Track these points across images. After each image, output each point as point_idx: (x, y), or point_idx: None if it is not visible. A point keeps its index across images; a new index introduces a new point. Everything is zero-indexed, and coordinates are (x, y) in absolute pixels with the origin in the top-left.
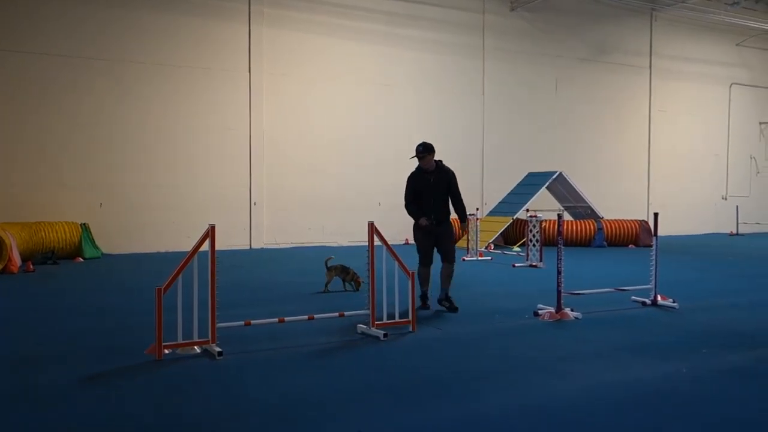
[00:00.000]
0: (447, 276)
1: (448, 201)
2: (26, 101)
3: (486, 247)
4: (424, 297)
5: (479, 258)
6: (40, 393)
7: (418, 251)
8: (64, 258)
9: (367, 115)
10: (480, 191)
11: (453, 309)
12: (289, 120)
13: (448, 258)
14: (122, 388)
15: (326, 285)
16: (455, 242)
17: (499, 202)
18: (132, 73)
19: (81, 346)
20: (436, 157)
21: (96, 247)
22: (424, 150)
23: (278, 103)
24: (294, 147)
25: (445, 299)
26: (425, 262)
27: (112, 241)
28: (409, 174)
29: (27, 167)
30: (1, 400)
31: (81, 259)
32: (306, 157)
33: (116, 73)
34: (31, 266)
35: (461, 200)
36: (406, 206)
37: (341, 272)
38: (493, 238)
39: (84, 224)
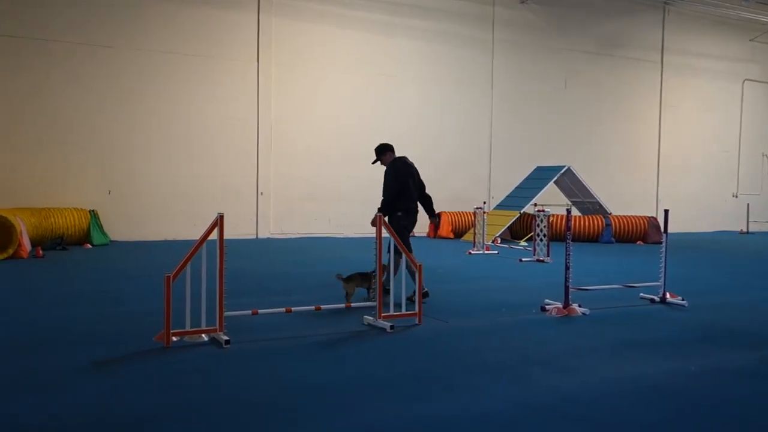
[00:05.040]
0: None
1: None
2: (37, 89)
3: (492, 241)
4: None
5: (485, 252)
6: (47, 378)
7: (405, 242)
8: (73, 244)
9: (374, 107)
10: (487, 185)
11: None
12: (297, 110)
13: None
14: (130, 374)
15: (348, 298)
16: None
17: (507, 196)
18: (140, 62)
19: (90, 332)
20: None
21: (104, 234)
22: (378, 152)
23: (286, 93)
24: (301, 137)
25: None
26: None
27: (121, 228)
28: (396, 159)
29: (38, 154)
30: (8, 385)
31: (89, 246)
32: (313, 148)
33: (125, 62)
34: (41, 252)
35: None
36: (391, 191)
37: (362, 281)
38: (500, 232)
39: (93, 211)
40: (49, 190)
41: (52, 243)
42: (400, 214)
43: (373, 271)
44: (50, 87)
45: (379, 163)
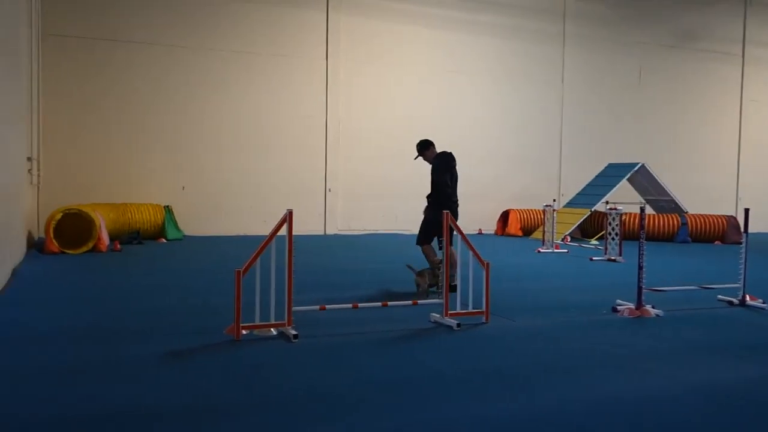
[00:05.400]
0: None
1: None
2: (113, 89)
3: (562, 240)
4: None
5: (555, 250)
6: (125, 365)
7: (429, 234)
8: (148, 238)
9: (442, 104)
10: (557, 182)
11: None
12: (365, 107)
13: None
14: (203, 365)
15: (426, 290)
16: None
17: (577, 194)
18: (212, 61)
19: (164, 323)
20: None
21: (178, 229)
22: (421, 147)
23: (354, 90)
24: (369, 134)
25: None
26: None
27: (193, 223)
28: (439, 156)
29: (115, 152)
30: (88, 371)
31: (164, 240)
32: (381, 145)
33: (196, 61)
34: (118, 246)
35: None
36: (448, 188)
37: (432, 277)
38: (570, 230)
39: (167, 206)
40: (127, 186)
41: (128, 237)
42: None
43: (438, 267)
44: (126, 87)
45: (421, 158)
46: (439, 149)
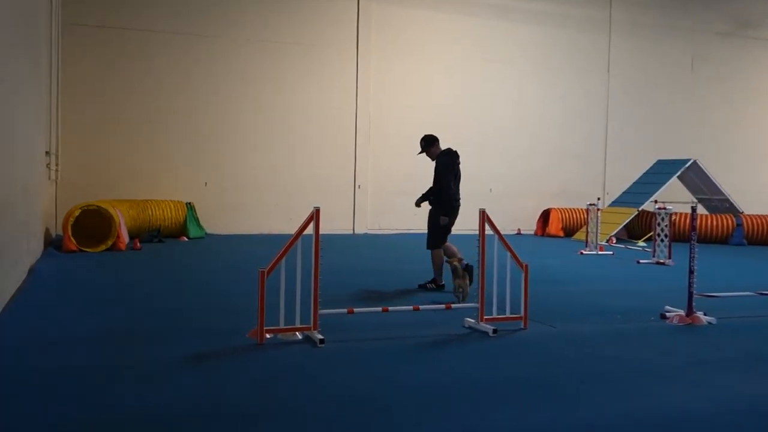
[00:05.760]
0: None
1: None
2: (134, 80)
3: (607, 241)
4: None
5: (599, 252)
6: (144, 368)
7: (442, 236)
8: (169, 237)
9: (478, 95)
10: (602, 179)
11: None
12: (397, 99)
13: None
14: (224, 369)
15: (462, 293)
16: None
17: (623, 192)
18: (237, 51)
19: (185, 324)
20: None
21: (200, 227)
22: (425, 144)
23: (385, 81)
24: (401, 127)
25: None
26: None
27: (216, 221)
28: (444, 153)
29: (136, 146)
30: (108, 372)
31: (185, 239)
32: (412, 139)
33: (221, 51)
34: (138, 244)
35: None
36: (450, 187)
37: (464, 277)
38: (615, 231)
39: (189, 203)
40: (148, 182)
41: (149, 235)
42: (441, 210)
43: (460, 264)
44: (147, 79)
45: (424, 154)
46: (473, 144)
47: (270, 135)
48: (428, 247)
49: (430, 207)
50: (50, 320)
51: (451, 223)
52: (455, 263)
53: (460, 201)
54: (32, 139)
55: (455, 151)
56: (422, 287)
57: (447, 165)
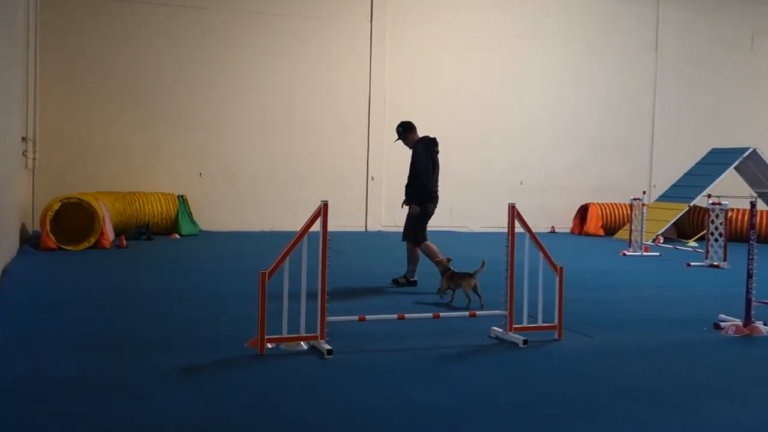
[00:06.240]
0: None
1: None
2: (122, 63)
3: (653, 241)
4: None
5: (645, 253)
6: (131, 382)
7: (423, 230)
8: (158, 234)
9: (507, 76)
10: (648, 171)
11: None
12: (415, 79)
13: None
14: (220, 383)
15: (452, 296)
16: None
17: (672, 185)
18: (234, 25)
19: (175, 333)
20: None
21: (194, 223)
22: (403, 130)
23: (403, 59)
24: (419, 112)
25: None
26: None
27: (212, 216)
28: (422, 141)
29: (120, 131)
30: (90, 385)
31: (177, 236)
32: (432, 125)
33: (216, 25)
34: (124, 242)
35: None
36: (429, 179)
37: (460, 280)
38: (663, 229)
39: (181, 196)
40: (135, 171)
41: (136, 232)
42: (416, 201)
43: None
44: (134, 56)
45: (401, 142)
46: (501, 132)
47: (273, 119)
48: (404, 239)
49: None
50: (25, 327)
51: (429, 215)
52: (445, 262)
53: (438, 192)
54: (6, 122)
55: (433, 138)
56: (395, 282)
57: (425, 153)
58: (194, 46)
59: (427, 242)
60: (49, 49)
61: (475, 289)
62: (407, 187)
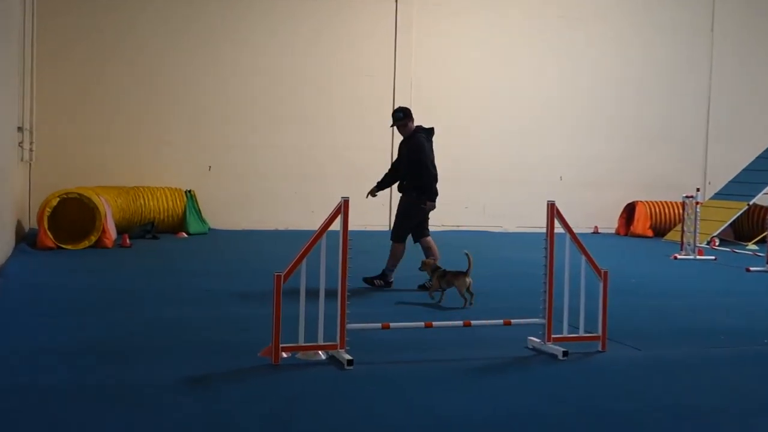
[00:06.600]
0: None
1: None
2: (124, 46)
3: (708, 243)
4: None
5: (698, 257)
6: (134, 392)
7: (410, 228)
8: (164, 232)
9: (544, 62)
10: (702, 166)
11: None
12: (444, 65)
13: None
14: (231, 395)
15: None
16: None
17: (730, 182)
18: (246, 6)
19: (182, 340)
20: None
21: (203, 221)
22: (404, 116)
23: (431, 43)
24: (447, 101)
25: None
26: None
27: (222, 213)
28: (422, 131)
29: (123, 122)
30: (90, 395)
31: (185, 235)
32: (462, 115)
33: (226, 6)
34: (128, 240)
35: None
36: (434, 175)
37: (453, 278)
38: (719, 230)
39: (189, 191)
40: (140, 164)
41: (140, 230)
42: (424, 196)
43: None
44: (138, 42)
45: (396, 128)
46: (538, 123)
47: (287, 109)
48: (392, 239)
49: (401, 194)
50: (21, 331)
51: (428, 211)
52: (432, 262)
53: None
54: (1, 112)
55: (431, 128)
56: (368, 281)
57: (426, 144)
58: (204, 31)
59: (430, 241)
60: (46, 34)
61: (468, 288)
62: (403, 179)
